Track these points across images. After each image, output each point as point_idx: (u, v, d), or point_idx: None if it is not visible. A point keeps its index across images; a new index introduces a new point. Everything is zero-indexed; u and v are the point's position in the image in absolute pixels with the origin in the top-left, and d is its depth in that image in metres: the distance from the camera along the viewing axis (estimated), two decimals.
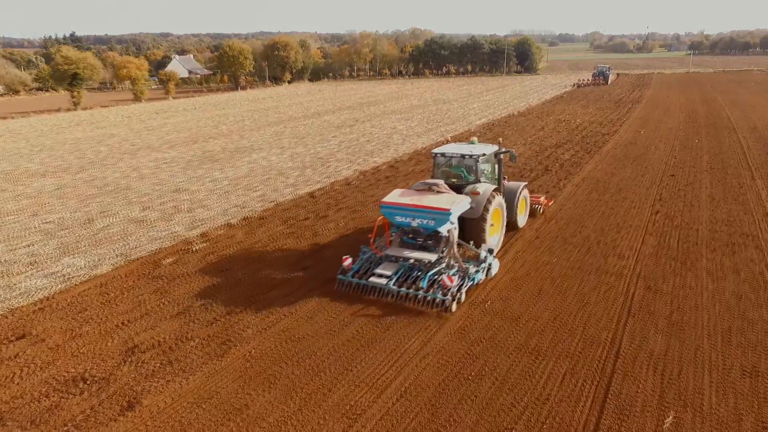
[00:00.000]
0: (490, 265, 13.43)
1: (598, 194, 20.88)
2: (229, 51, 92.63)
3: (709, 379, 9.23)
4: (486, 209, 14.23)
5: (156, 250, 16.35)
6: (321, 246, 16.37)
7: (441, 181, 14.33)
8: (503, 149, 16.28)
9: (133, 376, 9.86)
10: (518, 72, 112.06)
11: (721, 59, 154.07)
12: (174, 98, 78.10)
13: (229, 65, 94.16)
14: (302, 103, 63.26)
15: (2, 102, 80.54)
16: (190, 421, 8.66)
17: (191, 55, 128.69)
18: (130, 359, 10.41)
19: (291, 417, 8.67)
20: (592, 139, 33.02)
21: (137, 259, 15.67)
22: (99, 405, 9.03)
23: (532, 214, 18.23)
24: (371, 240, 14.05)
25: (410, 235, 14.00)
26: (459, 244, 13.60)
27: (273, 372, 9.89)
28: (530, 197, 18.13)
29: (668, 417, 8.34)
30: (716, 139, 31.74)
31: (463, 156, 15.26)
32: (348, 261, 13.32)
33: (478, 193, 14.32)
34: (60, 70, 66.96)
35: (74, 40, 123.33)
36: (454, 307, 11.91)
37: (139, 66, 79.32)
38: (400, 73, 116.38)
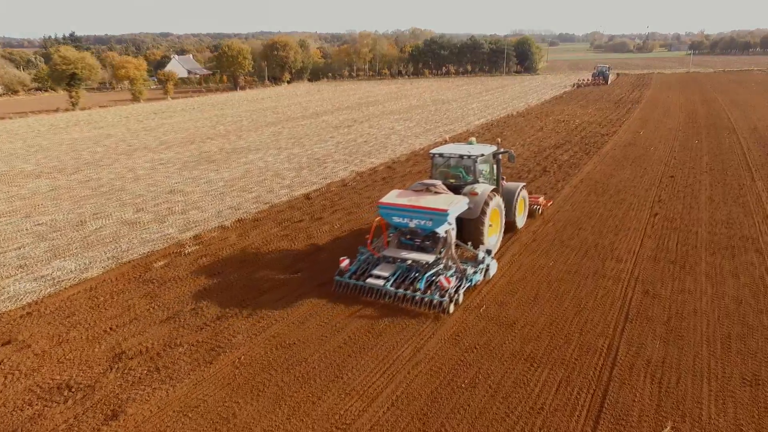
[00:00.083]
0: (488, 266, 13.26)
1: (597, 196, 20.65)
2: (228, 51, 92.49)
3: (708, 388, 9.00)
4: (484, 210, 14.08)
5: (147, 252, 16.13)
6: (315, 248, 16.15)
7: (439, 182, 14.22)
8: (502, 149, 16.10)
9: (118, 383, 9.64)
10: (518, 72, 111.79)
11: (721, 59, 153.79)
12: (173, 98, 77.89)
13: (228, 65, 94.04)
14: (301, 104, 63.05)
15: (1, 102, 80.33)
16: (174, 430, 8.43)
17: (190, 55, 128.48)
18: (116, 366, 10.19)
19: (278, 427, 8.45)
20: (591, 139, 32.79)
21: (128, 262, 15.45)
22: (83, 414, 8.81)
23: (531, 214, 18.01)
24: (368, 241, 13.85)
25: (408, 236, 13.86)
26: (457, 245, 13.45)
27: (261, 380, 9.66)
28: (529, 198, 17.93)
29: (666, 428, 8.11)
30: (716, 140, 31.51)
31: (461, 156, 15.12)
32: (345, 262, 13.19)
33: (476, 194, 14.17)
34: (58, 70, 66.82)
35: (74, 40, 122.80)
36: (451, 308, 11.76)
37: (138, 66, 79.20)
38: (399, 73, 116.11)
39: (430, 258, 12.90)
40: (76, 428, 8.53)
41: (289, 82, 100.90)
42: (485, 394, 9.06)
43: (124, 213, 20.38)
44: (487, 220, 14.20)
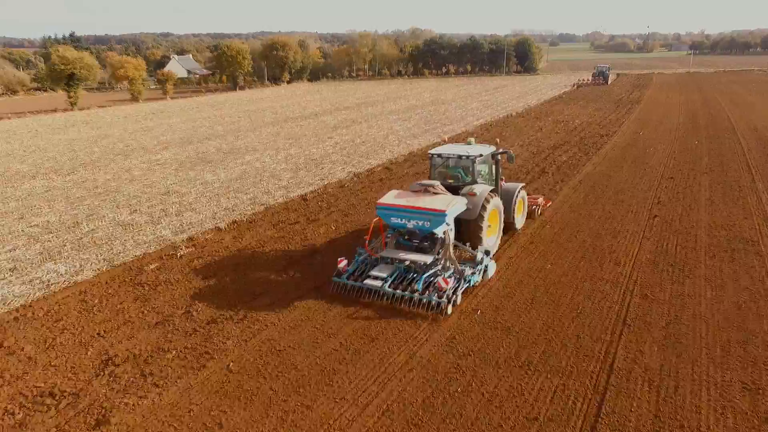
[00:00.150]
0: (486, 266, 13.10)
1: (595, 197, 20.45)
2: (228, 51, 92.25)
3: (707, 396, 8.80)
4: (483, 210, 13.95)
5: (141, 255, 15.94)
6: (311, 251, 15.95)
7: (437, 182, 14.10)
8: (500, 150, 15.94)
9: (105, 390, 9.45)
10: (518, 72, 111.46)
11: (721, 59, 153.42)
12: (172, 98, 77.66)
13: (227, 65, 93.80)
14: (300, 104, 62.85)
15: (0, 102, 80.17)
16: None
17: (190, 55, 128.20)
18: (103, 372, 10.00)
19: None
20: (591, 140, 32.57)
21: (120, 264, 15.26)
22: (66, 423, 8.61)
23: (530, 215, 17.82)
24: (366, 241, 13.68)
25: (406, 237, 13.71)
26: (455, 246, 13.31)
27: (251, 387, 9.47)
28: (528, 198, 17.75)
29: None
30: (716, 141, 31.28)
31: (459, 157, 15.00)
32: (343, 263, 13.07)
33: (474, 194, 14.02)
34: (57, 70, 66.49)
35: (74, 40, 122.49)
36: (449, 309, 11.61)
37: (137, 66, 78.94)
38: (399, 73, 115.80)
39: (428, 259, 12.76)
40: None
41: (288, 83, 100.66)
42: (480, 401, 8.87)
43: (118, 214, 20.19)
44: (485, 221, 14.06)
